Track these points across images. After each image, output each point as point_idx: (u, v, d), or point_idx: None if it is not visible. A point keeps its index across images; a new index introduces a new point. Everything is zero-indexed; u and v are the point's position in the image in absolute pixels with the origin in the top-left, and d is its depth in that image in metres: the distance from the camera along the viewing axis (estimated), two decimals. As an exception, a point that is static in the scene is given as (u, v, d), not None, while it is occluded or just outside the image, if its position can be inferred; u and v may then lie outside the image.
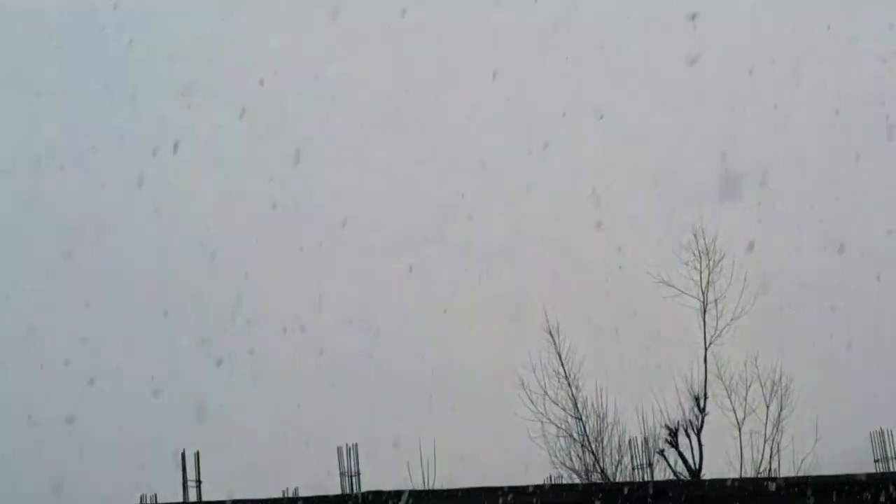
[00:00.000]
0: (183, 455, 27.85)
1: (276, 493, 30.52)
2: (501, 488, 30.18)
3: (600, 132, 55.46)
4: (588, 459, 44.81)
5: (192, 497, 27.50)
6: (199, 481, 27.67)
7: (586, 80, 55.83)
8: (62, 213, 53.26)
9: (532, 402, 45.61)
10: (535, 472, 43.37)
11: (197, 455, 27.85)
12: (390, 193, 57.29)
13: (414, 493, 29.84)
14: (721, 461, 43.17)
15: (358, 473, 29.42)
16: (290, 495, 30.66)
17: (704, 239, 46.52)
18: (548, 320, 46.59)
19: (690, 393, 44.53)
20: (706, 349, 45.17)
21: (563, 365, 46.00)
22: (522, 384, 45.77)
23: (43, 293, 51.78)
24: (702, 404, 44.31)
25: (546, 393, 45.74)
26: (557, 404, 45.67)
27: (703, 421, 44.18)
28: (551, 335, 46.47)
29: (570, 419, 45.55)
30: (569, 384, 45.68)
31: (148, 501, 29.66)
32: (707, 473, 42.33)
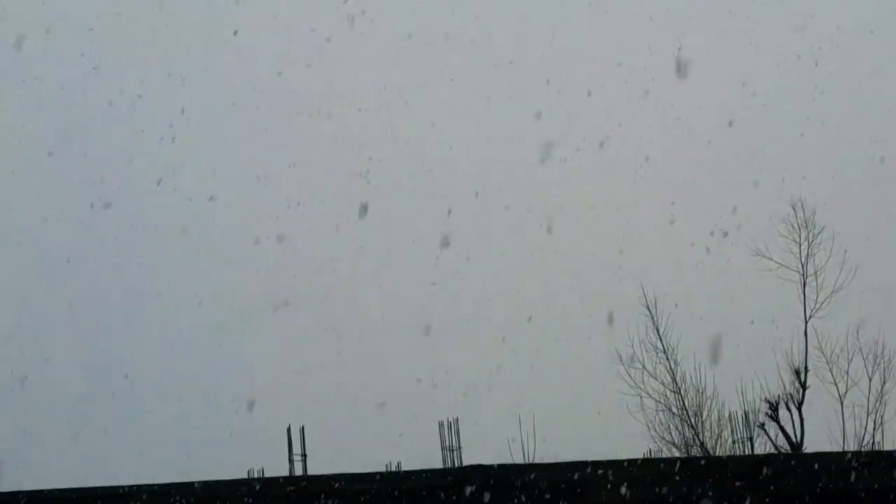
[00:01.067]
0: (289, 430, 28.45)
1: (378, 468, 31.12)
2: (601, 462, 30.41)
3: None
4: (687, 433, 44.84)
5: (298, 471, 28.07)
6: (304, 455, 28.25)
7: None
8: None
9: (630, 377, 45.79)
10: (633, 445, 43.53)
11: (302, 430, 28.45)
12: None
13: (514, 467, 30.20)
14: (823, 435, 42.96)
15: (459, 447, 29.81)
16: (393, 469, 31.23)
17: (804, 211, 46.27)
18: (645, 294, 46.70)
19: (791, 366, 44.36)
20: (806, 322, 44.93)
21: (661, 339, 46.04)
22: (620, 359, 45.97)
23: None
24: (802, 378, 44.10)
25: (644, 367, 45.86)
26: (656, 378, 45.76)
27: (803, 394, 43.98)
28: (649, 309, 46.55)
29: (668, 393, 45.63)
30: (667, 358, 45.73)
31: (255, 475, 30.44)
32: (808, 447, 42.18)
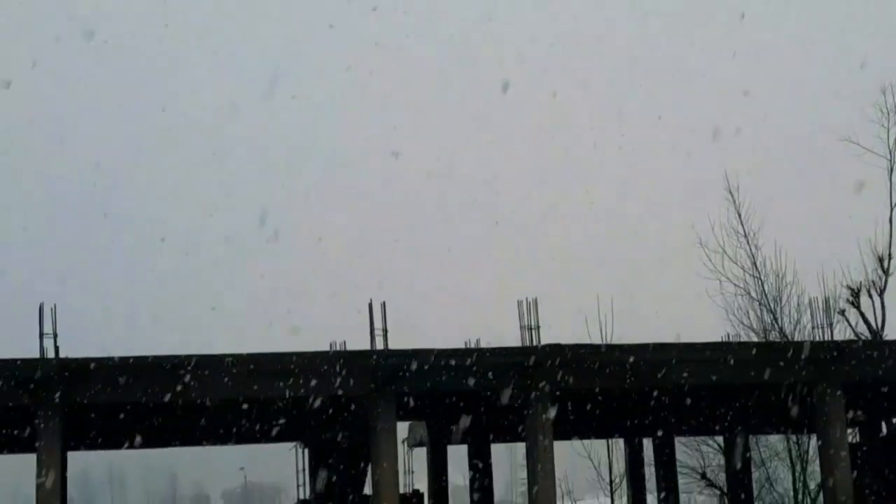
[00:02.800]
0: (370, 304, 28.87)
1: (458, 344, 31.53)
2: (676, 344, 30.64)
3: None
4: (766, 318, 44.75)
5: (379, 345, 28.54)
6: (385, 330, 28.67)
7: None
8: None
9: (710, 260, 45.62)
10: (711, 329, 43.58)
11: (383, 305, 28.83)
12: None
13: (589, 347, 30.52)
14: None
15: (538, 326, 30.04)
16: (473, 346, 31.64)
17: (894, 96, 45.32)
18: (727, 179, 46.29)
19: (874, 253, 43.88)
20: (892, 208, 44.32)
21: (742, 223, 45.72)
22: (700, 242, 45.77)
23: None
24: (886, 265, 43.64)
25: (724, 251, 45.65)
26: (736, 263, 45.56)
27: (886, 282, 43.54)
28: (731, 193, 46.15)
29: (748, 278, 45.46)
30: (748, 242, 45.44)
31: (338, 347, 31.04)
32: (889, 334, 41.92)
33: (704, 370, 30.38)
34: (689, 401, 33.41)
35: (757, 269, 45.22)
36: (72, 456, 31.59)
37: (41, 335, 26.64)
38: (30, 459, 27.35)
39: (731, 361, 30.33)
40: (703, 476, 45.81)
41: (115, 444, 33.64)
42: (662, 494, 38.49)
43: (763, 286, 44.95)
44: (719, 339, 36.10)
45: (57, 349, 26.61)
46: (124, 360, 26.86)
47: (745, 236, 45.54)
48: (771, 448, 46.94)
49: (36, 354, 26.57)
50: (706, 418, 36.32)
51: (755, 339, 43.30)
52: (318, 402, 29.84)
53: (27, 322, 27.33)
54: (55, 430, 26.45)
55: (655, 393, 32.19)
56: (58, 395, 26.22)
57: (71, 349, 27.11)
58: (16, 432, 28.72)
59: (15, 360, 26.26)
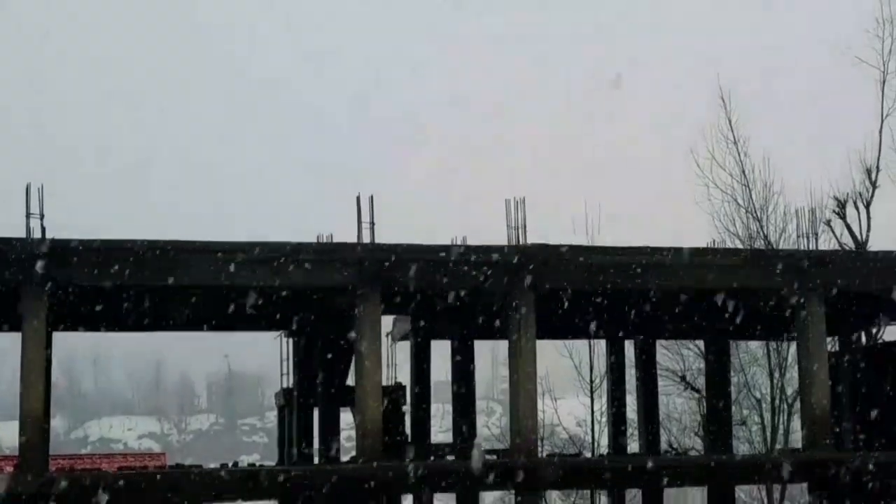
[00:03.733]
0: (358, 198, 28.92)
1: (444, 241, 31.63)
2: (659, 248, 30.76)
3: None
4: (752, 226, 44.96)
5: (366, 238, 28.64)
6: (372, 223, 28.76)
7: None
8: None
9: (699, 167, 45.71)
10: (697, 235, 43.84)
11: (371, 199, 28.90)
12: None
13: (577, 248, 30.64)
14: (889, 236, 42.81)
15: (525, 226, 30.15)
16: (458, 243, 31.76)
17: (890, 6, 45.05)
18: (720, 86, 46.19)
19: (862, 165, 43.96)
20: (882, 120, 44.31)
21: (732, 130, 45.74)
22: (690, 149, 45.82)
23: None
24: (873, 177, 43.75)
25: (713, 157, 45.70)
26: (724, 169, 45.64)
27: (873, 194, 43.70)
28: (723, 100, 46.08)
29: (736, 185, 45.56)
30: (737, 150, 45.50)
31: (324, 239, 31.13)
32: (873, 246, 42.13)
33: (688, 275, 30.59)
34: (671, 305, 33.64)
35: (745, 176, 45.36)
36: (57, 337, 31.76)
37: (27, 215, 26.67)
38: (16, 338, 27.58)
39: (715, 267, 30.55)
40: (683, 379, 46.28)
41: (100, 327, 33.86)
42: (642, 396, 38.93)
43: (751, 194, 45.12)
44: (705, 245, 36.28)
45: (43, 229, 26.66)
46: (110, 243, 26.93)
47: (735, 143, 45.60)
48: (751, 354, 47.40)
49: (22, 234, 26.65)
50: (688, 322, 36.61)
51: (740, 245, 43.55)
52: (304, 293, 30.03)
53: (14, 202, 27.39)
54: (40, 310, 26.61)
55: (638, 296, 32.41)
56: (43, 275, 26.32)
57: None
58: (2, 311, 28.86)
59: (0, 239, 26.33)
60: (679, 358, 46.98)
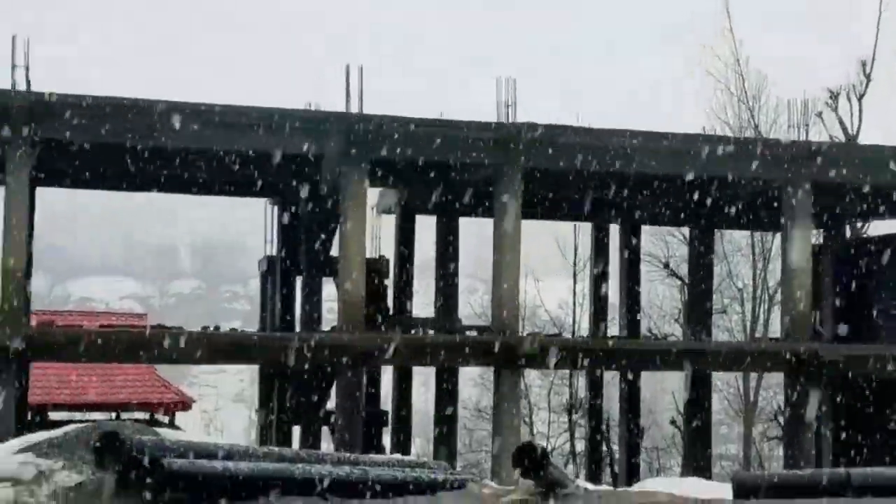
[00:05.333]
0: (347, 67, 28.75)
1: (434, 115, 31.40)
2: (648, 132, 30.60)
3: None
4: (744, 115, 44.77)
5: (354, 108, 28.47)
6: (361, 93, 28.60)
7: None
8: None
9: (694, 54, 45.35)
10: (688, 122, 43.65)
11: (360, 69, 28.71)
12: None
13: (566, 128, 30.45)
14: (880, 129, 42.73)
15: (515, 104, 29.94)
16: (445, 118, 31.54)
17: None
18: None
19: (857, 57, 43.64)
20: (880, 13, 43.91)
21: (729, 17, 45.29)
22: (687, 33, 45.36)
23: None
24: (868, 69, 43.44)
25: (710, 47, 45.33)
26: (720, 59, 45.29)
27: (867, 86, 43.45)
28: (719, -15, 45.58)
29: (730, 73, 45.25)
30: (732, 37, 45.11)
31: (314, 108, 30.90)
32: (864, 140, 42.03)
33: (677, 160, 30.48)
34: (658, 190, 33.59)
35: (739, 64, 45.03)
36: (40, 192, 31.63)
37: (13, 67, 26.34)
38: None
39: (704, 154, 30.41)
40: (666, 266, 46.47)
41: (84, 184, 33.68)
42: (624, 280, 39.07)
43: (744, 83, 44.85)
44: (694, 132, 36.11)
45: (28, 83, 26.35)
46: (97, 100, 26.66)
47: (731, 31, 45.19)
48: (735, 244, 47.56)
49: (8, 86, 26.36)
50: (674, 209, 36.62)
51: (730, 133, 43.41)
52: (290, 161, 29.88)
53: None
54: (24, 165, 26.42)
55: (624, 179, 32.33)
56: (27, 129, 26.09)
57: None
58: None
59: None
60: (664, 244, 47.12)
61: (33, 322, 28.64)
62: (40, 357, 27.47)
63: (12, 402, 25.67)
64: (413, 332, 33.27)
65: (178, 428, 28.10)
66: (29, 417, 28.35)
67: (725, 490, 15.59)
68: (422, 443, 51.26)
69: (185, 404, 36.94)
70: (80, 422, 19.85)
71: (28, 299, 28.51)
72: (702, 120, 44.25)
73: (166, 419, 35.14)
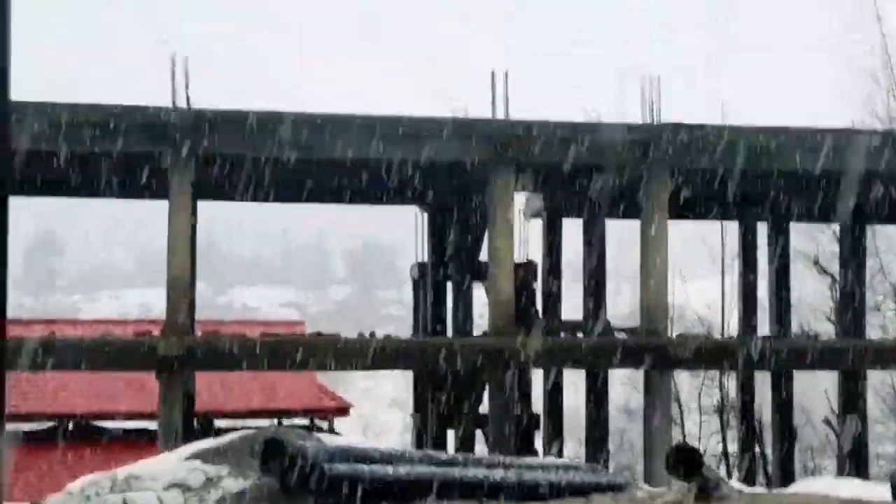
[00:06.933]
0: (492, 73, 29.17)
1: (577, 118, 31.67)
2: (798, 129, 30.45)
3: None
4: (894, 106, 43.96)
5: (500, 114, 28.92)
6: (507, 99, 28.97)
7: None
8: None
9: (841, 45, 44.68)
10: (837, 116, 42.97)
11: (506, 75, 29.10)
12: None
13: (711, 127, 30.44)
14: None
15: (658, 104, 30.09)
16: (589, 121, 31.79)
17: None
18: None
19: None
20: None
21: (876, 4, 44.54)
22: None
23: None
24: None
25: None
26: (867, 49, 44.58)
27: None
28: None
29: (877, 63, 44.52)
30: (880, 27, 44.36)
31: (461, 115, 31.43)
32: None
33: (825, 156, 30.22)
34: (806, 186, 33.30)
35: (887, 54, 44.24)
36: (202, 206, 32.75)
37: (173, 85, 27.43)
38: (157, 206, 28.58)
39: (853, 149, 30.10)
40: (816, 262, 45.83)
41: (243, 197, 34.76)
42: (773, 279, 38.72)
43: (893, 73, 44.04)
44: (844, 126, 35.66)
45: (188, 100, 27.42)
46: (254, 115, 27.64)
47: (879, 20, 44.43)
48: (888, 239, 46.66)
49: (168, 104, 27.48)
50: (823, 205, 36.21)
51: (880, 127, 42.65)
52: (439, 168, 30.48)
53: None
54: (186, 179, 27.51)
55: (772, 177, 32.15)
56: (188, 144, 27.15)
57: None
58: (149, 179, 29.86)
59: (148, 108, 27.19)
60: (813, 241, 46.48)
61: (198, 332, 29.74)
62: (206, 366, 28.52)
63: (180, 411, 26.78)
64: (562, 334, 33.58)
65: (337, 433, 28.95)
66: (196, 425, 29.41)
67: (884, 491, 15.55)
68: (573, 444, 51.45)
69: (344, 410, 37.79)
70: (244, 429, 20.64)
71: (193, 309, 29.63)
72: (849, 113, 43.58)
73: (325, 424, 36.01)
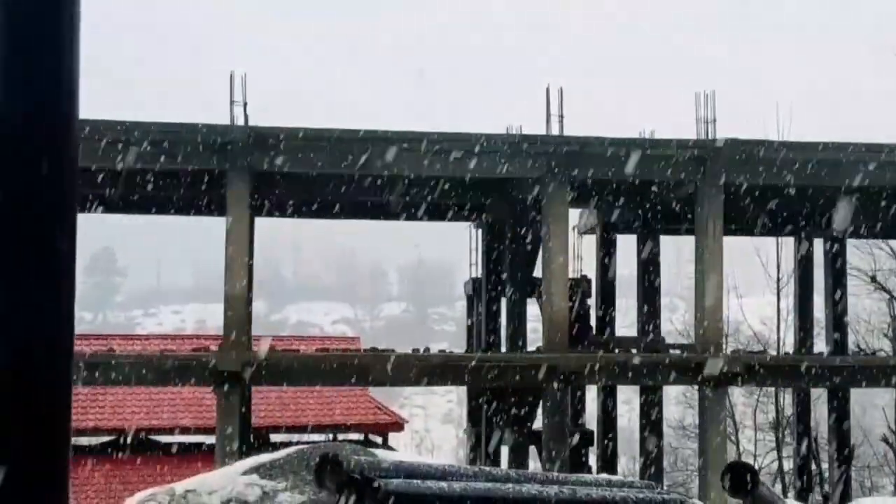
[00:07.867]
0: (547, 89, 29.24)
1: (630, 134, 31.69)
2: (854, 144, 30.25)
3: None
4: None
5: (555, 130, 28.99)
6: (561, 116, 29.08)
7: None
8: None
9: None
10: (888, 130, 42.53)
11: (560, 91, 29.19)
12: None
13: (767, 143, 30.37)
14: None
15: (714, 120, 30.03)
16: (646, 137, 31.81)
17: None
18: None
19: None
20: None
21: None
22: None
23: None
24: None
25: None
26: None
27: None
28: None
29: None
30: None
31: (514, 131, 31.56)
32: None
33: (881, 172, 30.05)
34: (863, 202, 33.09)
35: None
36: (259, 223, 33.10)
37: (231, 103, 27.79)
38: (214, 222, 28.88)
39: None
40: (873, 279, 45.46)
41: (299, 213, 35.09)
42: (830, 295, 38.46)
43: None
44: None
45: (246, 117, 27.77)
46: (310, 132, 27.92)
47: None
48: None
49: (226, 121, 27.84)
50: (881, 221, 35.95)
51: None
52: (493, 184, 30.62)
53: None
54: (244, 196, 27.82)
55: (829, 193, 32.00)
56: (246, 161, 27.47)
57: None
58: (206, 197, 30.23)
59: (207, 126, 27.54)
60: (870, 257, 46.11)
61: (255, 347, 30.04)
62: (263, 381, 28.78)
63: (238, 425, 27.04)
64: (616, 351, 33.57)
65: (391, 448, 29.06)
66: (252, 439, 29.67)
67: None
68: (627, 461, 51.28)
69: (398, 425, 37.95)
70: (300, 443, 20.81)
71: (250, 324, 29.94)
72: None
73: (379, 440, 36.17)
